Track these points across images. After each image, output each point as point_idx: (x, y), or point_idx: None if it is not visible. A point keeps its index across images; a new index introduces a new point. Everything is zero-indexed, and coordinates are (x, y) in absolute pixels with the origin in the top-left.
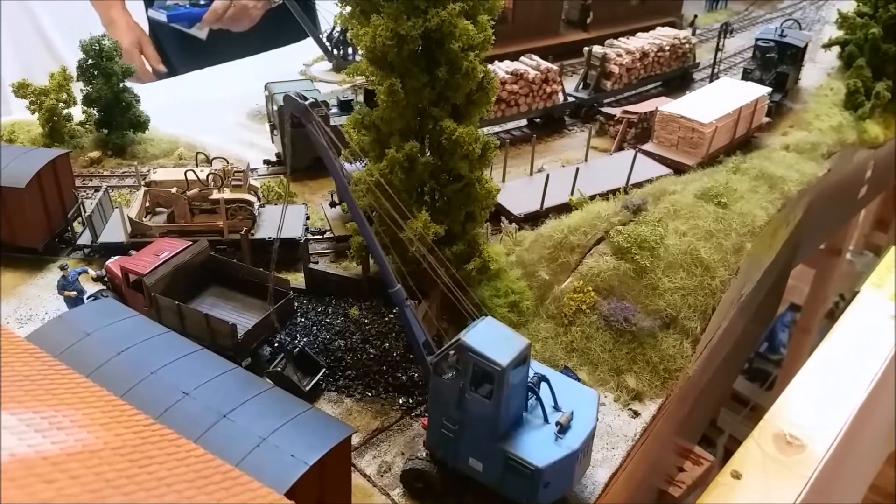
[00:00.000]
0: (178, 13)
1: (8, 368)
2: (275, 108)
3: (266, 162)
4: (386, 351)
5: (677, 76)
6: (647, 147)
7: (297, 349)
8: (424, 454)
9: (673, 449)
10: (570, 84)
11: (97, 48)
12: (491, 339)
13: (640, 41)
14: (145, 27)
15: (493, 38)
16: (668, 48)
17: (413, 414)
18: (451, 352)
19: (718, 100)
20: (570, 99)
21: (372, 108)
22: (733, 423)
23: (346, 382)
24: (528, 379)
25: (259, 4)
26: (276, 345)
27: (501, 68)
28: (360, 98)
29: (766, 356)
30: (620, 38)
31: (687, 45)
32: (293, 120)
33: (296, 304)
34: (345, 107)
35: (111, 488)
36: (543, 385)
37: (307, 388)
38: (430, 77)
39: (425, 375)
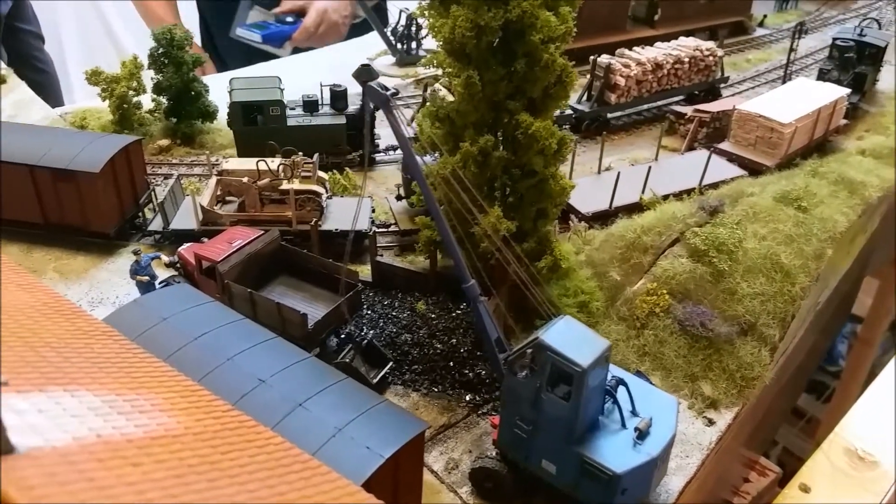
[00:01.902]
0: (270, 33)
1: (88, 350)
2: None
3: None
4: (453, 347)
5: (702, 91)
6: (724, 146)
7: (366, 341)
8: (494, 453)
9: (739, 459)
10: None
11: (169, 37)
12: (570, 338)
13: (656, 51)
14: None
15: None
16: (687, 60)
17: (480, 412)
18: (528, 350)
19: (797, 100)
20: (568, 111)
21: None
22: (787, 434)
23: (412, 377)
24: (607, 382)
25: (347, 20)
26: (342, 336)
27: None
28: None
29: (824, 367)
30: (635, 48)
31: (711, 58)
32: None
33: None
34: (310, 107)
35: (194, 474)
36: (621, 389)
37: (374, 381)
38: (508, 70)
39: (496, 373)
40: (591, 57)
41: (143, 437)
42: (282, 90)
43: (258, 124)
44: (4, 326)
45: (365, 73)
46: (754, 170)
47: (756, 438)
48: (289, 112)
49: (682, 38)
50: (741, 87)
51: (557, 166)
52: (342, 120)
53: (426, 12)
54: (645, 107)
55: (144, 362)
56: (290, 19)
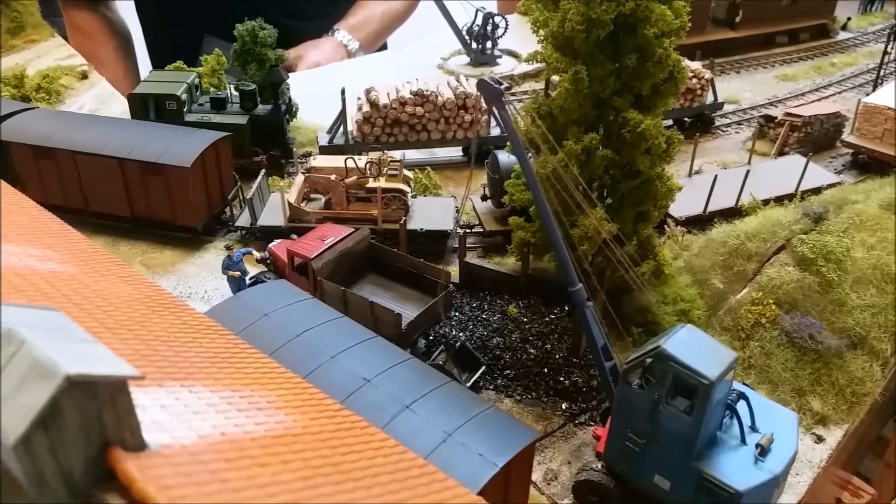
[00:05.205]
0: None
1: (197, 344)
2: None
3: None
4: (548, 353)
5: (690, 119)
6: (849, 139)
7: (459, 344)
8: (599, 466)
9: (831, 479)
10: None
11: (253, 35)
12: (694, 349)
13: None
14: None
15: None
16: None
17: (577, 421)
18: (647, 360)
19: None
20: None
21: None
22: None
23: (504, 382)
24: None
25: None
26: (430, 337)
27: (406, 88)
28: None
29: None
30: None
31: (696, 81)
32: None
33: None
34: (217, 104)
35: (320, 476)
36: (741, 403)
37: (467, 386)
38: (616, 65)
39: (602, 382)
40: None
41: (265, 436)
42: (191, 85)
43: (162, 118)
44: (114, 318)
45: (276, 75)
46: (884, 162)
47: (855, 457)
48: (195, 108)
49: None
50: (827, 92)
51: (663, 167)
52: (243, 120)
53: (532, 6)
54: None
55: (252, 358)
56: None
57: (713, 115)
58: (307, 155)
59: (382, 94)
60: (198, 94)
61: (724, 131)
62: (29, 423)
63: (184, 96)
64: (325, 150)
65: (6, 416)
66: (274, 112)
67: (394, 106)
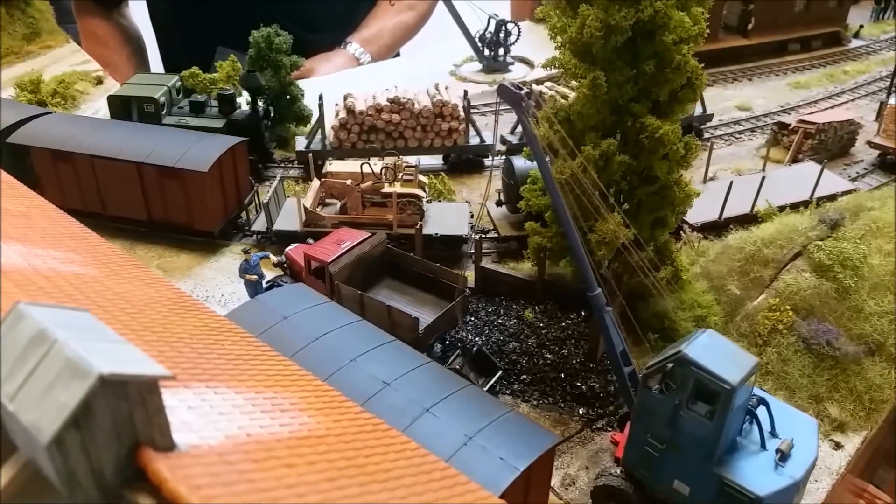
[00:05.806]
0: None
1: (219, 346)
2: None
3: None
4: (564, 358)
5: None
6: (876, 140)
7: (476, 348)
8: (619, 471)
9: (846, 487)
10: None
11: (268, 41)
12: (716, 354)
13: None
14: None
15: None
16: None
17: (594, 426)
18: (670, 365)
19: None
20: (498, 143)
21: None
22: None
23: (521, 387)
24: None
25: None
26: (446, 342)
27: (383, 95)
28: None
29: None
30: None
31: None
32: None
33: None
34: (196, 108)
35: (345, 478)
36: (761, 408)
37: (484, 390)
38: (634, 71)
39: (620, 387)
40: (533, 86)
41: (290, 437)
42: (171, 88)
43: (141, 120)
44: (137, 320)
45: (254, 80)
46: None
47: (872, 465)
48: (174, 110)
49: None
50: (839, 100)
51: (680, 172)
52: (220, 124)
53: (551, 13)
54: None
55: (274, 360)
56: None
57: (701, 126)
58: (288, 160)
59: (359, 100)
60: (179, 97)
61: (737, 138)
62: (62, 421)
63: (162, 99)
64: (301, 155)
65: (40, 415)
66: (252, 117)
67: (370, 113)
